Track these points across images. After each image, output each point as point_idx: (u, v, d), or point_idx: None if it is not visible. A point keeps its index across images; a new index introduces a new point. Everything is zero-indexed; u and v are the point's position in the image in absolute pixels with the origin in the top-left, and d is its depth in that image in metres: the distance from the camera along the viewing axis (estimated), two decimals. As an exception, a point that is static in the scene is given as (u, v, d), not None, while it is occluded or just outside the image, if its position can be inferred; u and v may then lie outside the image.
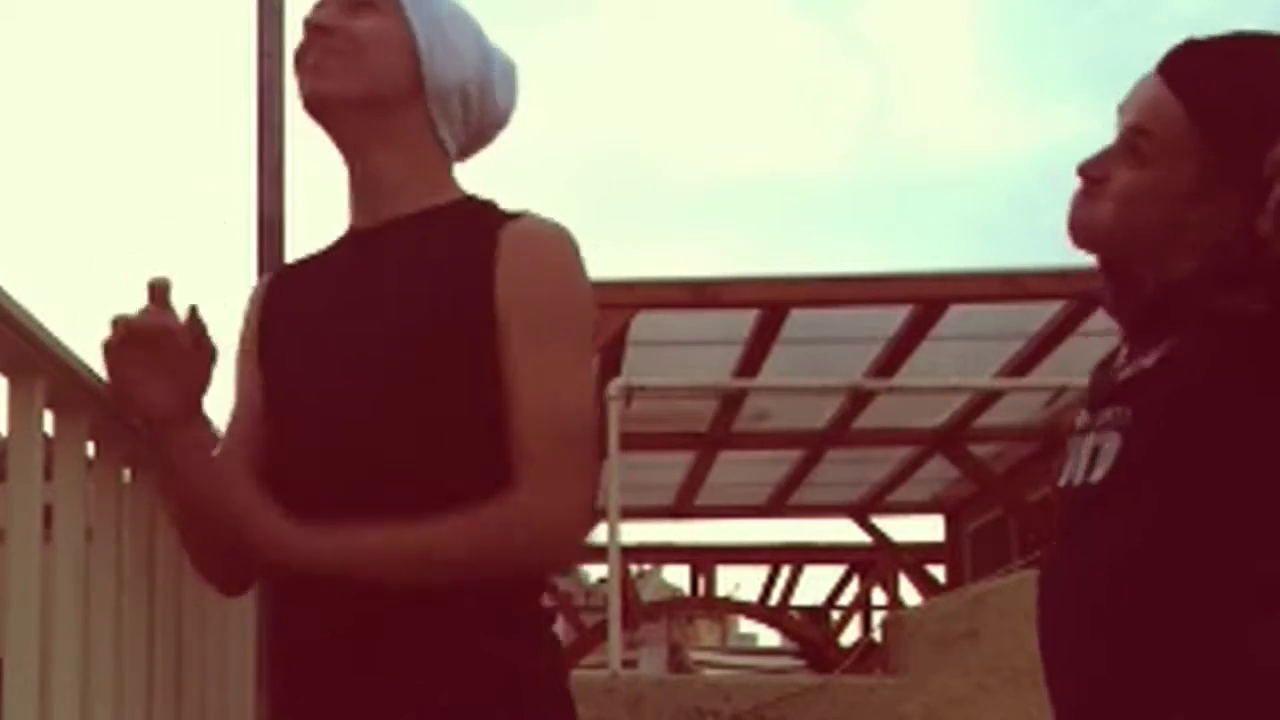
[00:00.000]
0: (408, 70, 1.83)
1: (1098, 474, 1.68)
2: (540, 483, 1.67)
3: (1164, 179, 1.68)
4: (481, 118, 1.91)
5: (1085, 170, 1.73)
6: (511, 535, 1.67)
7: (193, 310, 1.77)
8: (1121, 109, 1.75)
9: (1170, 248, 1.69)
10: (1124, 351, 1.81)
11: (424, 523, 1.65)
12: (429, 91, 1.84)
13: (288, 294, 1.91)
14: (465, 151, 1.91)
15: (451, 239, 1.77)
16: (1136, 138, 1.70)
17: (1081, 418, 1.79)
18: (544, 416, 1.69)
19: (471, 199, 1.87)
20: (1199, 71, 1.72)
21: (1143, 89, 1.74)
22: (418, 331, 1.73)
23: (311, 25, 1.80)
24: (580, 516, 1.71)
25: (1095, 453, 1.70)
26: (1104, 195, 1.71)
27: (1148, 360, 1.70)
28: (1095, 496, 1.69)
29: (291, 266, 2.02)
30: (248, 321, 1.93)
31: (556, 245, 1.77)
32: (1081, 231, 1.75)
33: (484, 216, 1.80)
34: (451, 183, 1.87)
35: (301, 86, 1.82)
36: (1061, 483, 1.77)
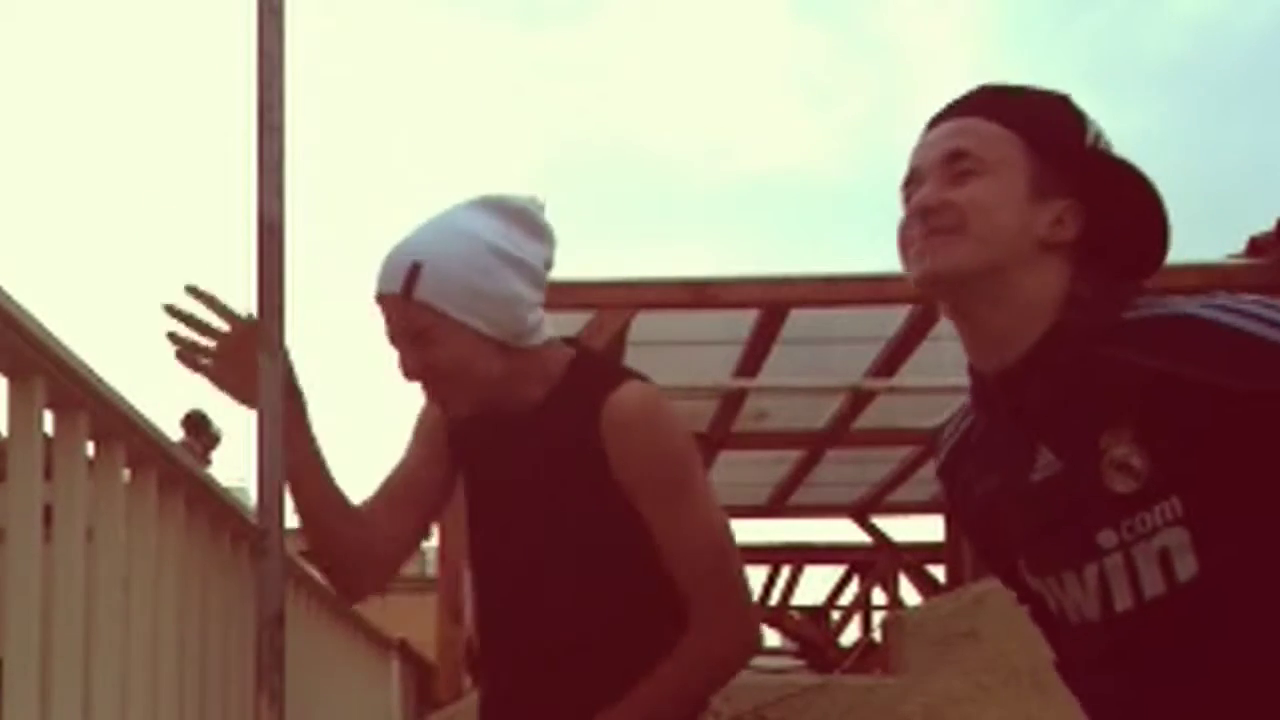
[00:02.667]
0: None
1: (1151, 590, 1.57)
2: (703, 624, 2.09)
3: (1004, 184, 1.63)
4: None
5: (926, 204, 1.65)
6: (701, 673, 2.14)
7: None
8: (919, 161, 1.69)
9: (1027, 267, 1.62)
10: (976, 429, 1.75)
11: (642, 692, 2.09)
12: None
13: (471, 436, 2.24)
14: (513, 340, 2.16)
15: (567, 432, 2.12)
16: (960, 160, 1.65)
17: (1038, 550, 1.68)
18: (688, 563, 2.10)
19: (571, 375, 2.17)
20: (995, 96, 1.70)
21: (939, 131, 1.70)
22: (576, 516, 2.12)
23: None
24: (742, 629, 2.14)
25: (1129, 571, 1.58)
26: (954, 229, 1.63)
27: (1065, 452, 1.62)
28: (1163, 617, 1.57)
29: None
30: (433, 419, 2.28)
31: (645, 420, 2.10)
32: (947, 269, 1.63)
33: (584, 402, 2.11)
34: (547, 364, 2.17)
35: None
36: (1071, 619, 1.67)
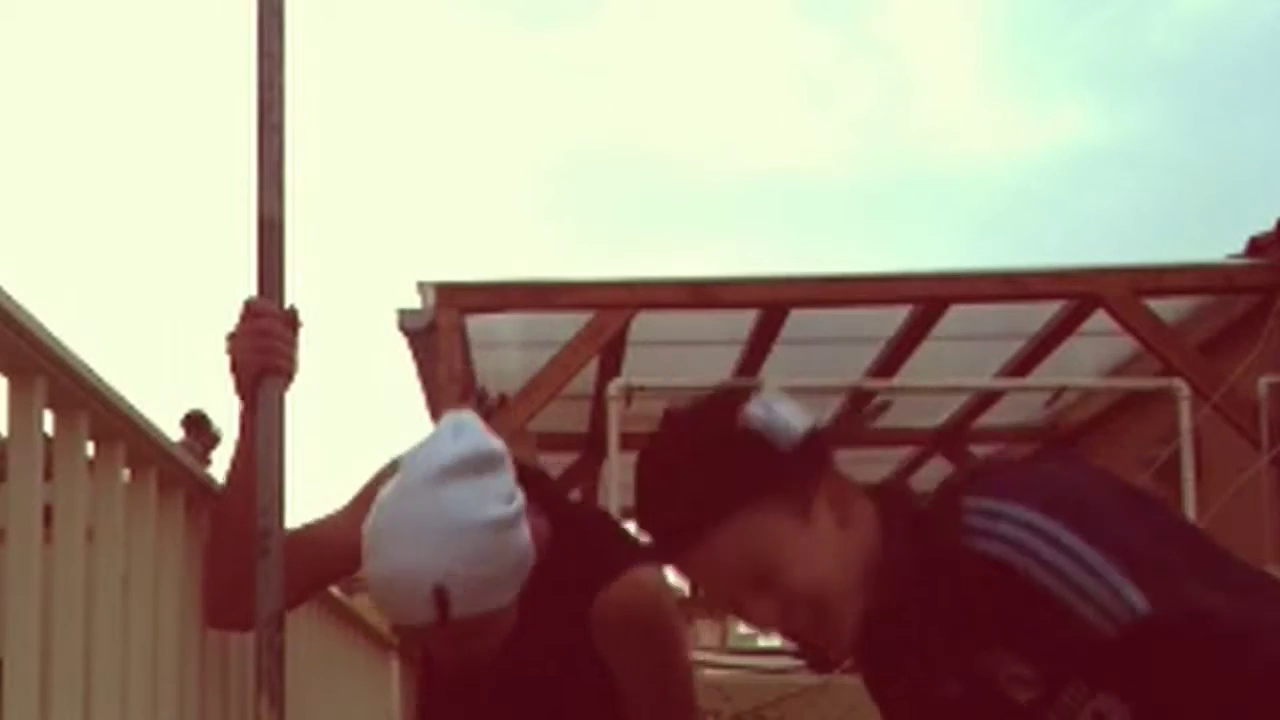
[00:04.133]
0: None
1: None
2: None
3: (793, 556, 1.62)
4: None
5: (802, 639, 1.69)
6: None
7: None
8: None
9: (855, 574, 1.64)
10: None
11: None
12: None
13: None
14: None
15: (554, 627, 2.08)
16: (743, 584, 1.63)
17: None
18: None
19: (555, 558, 2.07)
20: (668, 529, 1.68)
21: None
22: (566, 700, 2.13)
23: None
24: None
25: None
26: (824, 620, 1.64)
27: (954, 680, 1.65)
28: None
29: None
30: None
31: (640, 622, 2.08)
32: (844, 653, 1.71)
33: (572, 597, 2.07)
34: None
35: None
36: None
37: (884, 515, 1.67)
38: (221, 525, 2.15)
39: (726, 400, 1.69)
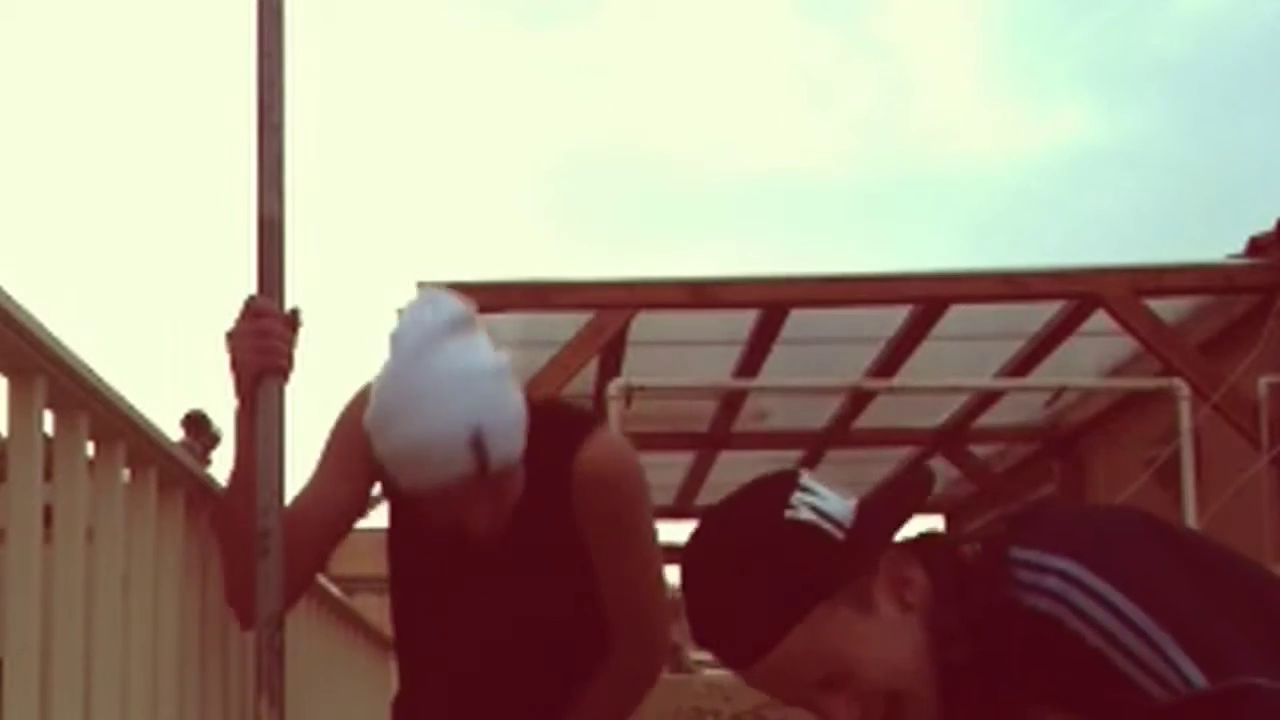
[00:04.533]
0: None
1: None
2: (635, 645, 2.23)
3: (864, 652, 1.58)
4: None
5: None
6: (632, 689, 2.28)
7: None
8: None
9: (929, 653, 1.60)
10: None
11: (585, 702, 2.21)
12: None
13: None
14: None
15: (540, 495, 2.10)
16: (816, 686, 1.58)
17: None
18: (628, 593, 2.20)
19: (539, 428, 2.07)
20: (734, 626, 1.60)
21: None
22: (549, 570, 2.16)
23: None
24: (665, 651, 2.33)
25: None
26: (903, 707, 1.59)
27: None
28: None
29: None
30: (359, 436, 2.10)
31: (615, 473, 2.14)
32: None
33: (551, 461, 2.09)
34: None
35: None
36: None
37: (932, 575, 1.63)
38: (225, 527, 2.15)
39: (769, 496, 1.61)
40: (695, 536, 1.65)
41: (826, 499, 1.60)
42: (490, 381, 2.01)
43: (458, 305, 2.06)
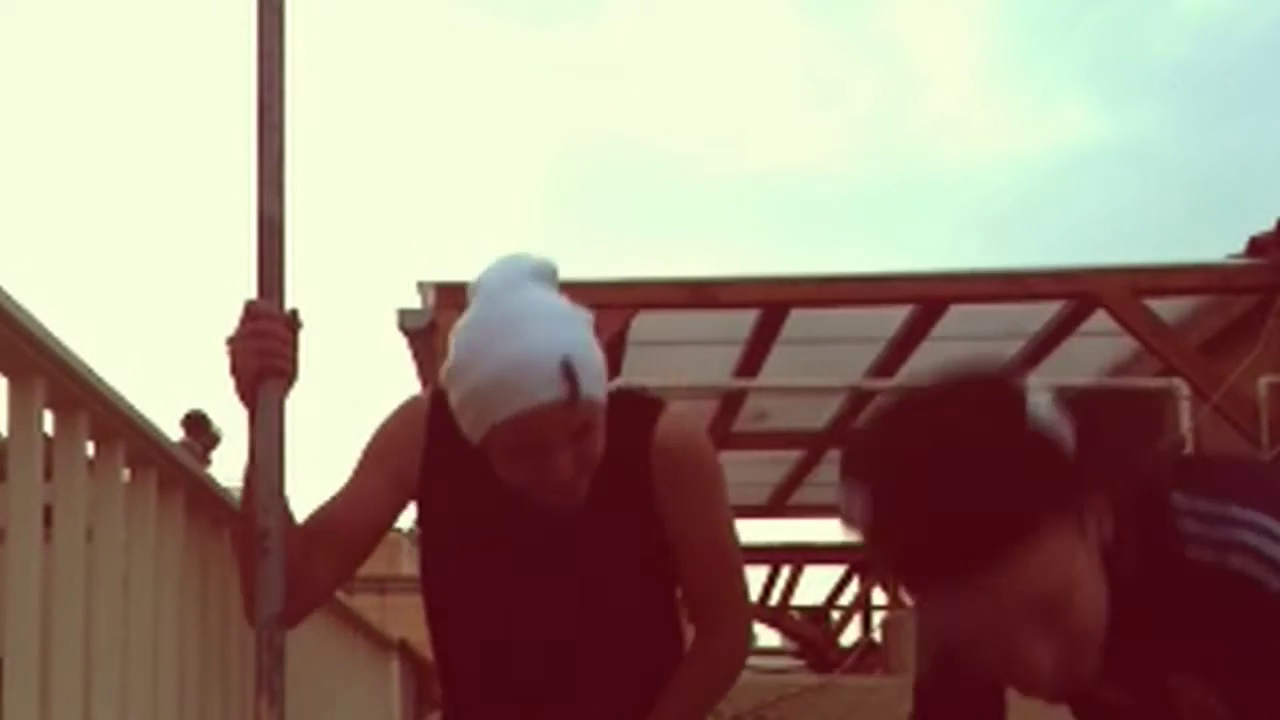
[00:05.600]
0: None
1: None
2: (718, 626, 2.22)
3: (1079, 588, 1.36)
4: None
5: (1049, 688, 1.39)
6: (726, 670, 2.29)
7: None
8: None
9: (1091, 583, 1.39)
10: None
11: (678, 689, 2.20)
12: None
13: (453, 477, 2.13)
14: None
15: (614, 478, 2.08)
16: (1030, 621, 1.34)
17: None
18: (709, 571, 2.18)
19: (612, 409, 2.07)
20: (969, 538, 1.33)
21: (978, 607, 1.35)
22: (618, 557, 2.13)
23: None
24: (748, 632, 2.32)
25: None
26: (1081, 663, 1.38)
27: (1132, 688, 1.49)
28: None
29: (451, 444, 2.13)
30: (399, 443, 2.15)
31: (694, 445, 2.16)
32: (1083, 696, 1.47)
33: (628, 437, 2.09)
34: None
35: None
36: None
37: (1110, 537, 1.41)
38: (245, 534, 2.08)
39: (1004, 392, 1.39)
40: (905, 422, 1.41)
41: (1058, 415, 1.37)
42: (583, 324, 2.04)
43: (544, 258, 2.07)
